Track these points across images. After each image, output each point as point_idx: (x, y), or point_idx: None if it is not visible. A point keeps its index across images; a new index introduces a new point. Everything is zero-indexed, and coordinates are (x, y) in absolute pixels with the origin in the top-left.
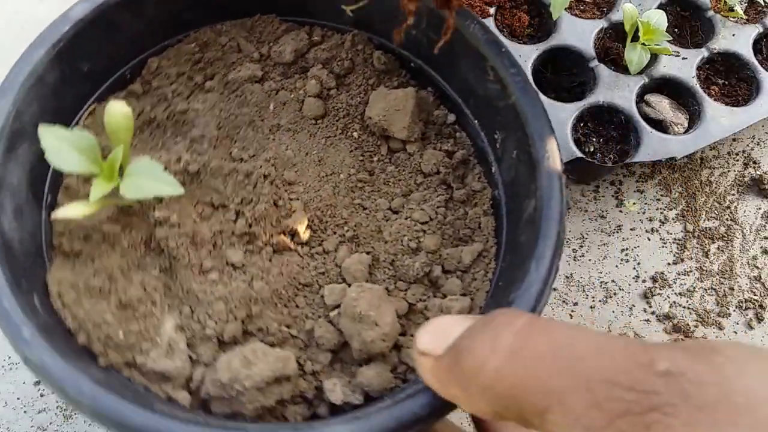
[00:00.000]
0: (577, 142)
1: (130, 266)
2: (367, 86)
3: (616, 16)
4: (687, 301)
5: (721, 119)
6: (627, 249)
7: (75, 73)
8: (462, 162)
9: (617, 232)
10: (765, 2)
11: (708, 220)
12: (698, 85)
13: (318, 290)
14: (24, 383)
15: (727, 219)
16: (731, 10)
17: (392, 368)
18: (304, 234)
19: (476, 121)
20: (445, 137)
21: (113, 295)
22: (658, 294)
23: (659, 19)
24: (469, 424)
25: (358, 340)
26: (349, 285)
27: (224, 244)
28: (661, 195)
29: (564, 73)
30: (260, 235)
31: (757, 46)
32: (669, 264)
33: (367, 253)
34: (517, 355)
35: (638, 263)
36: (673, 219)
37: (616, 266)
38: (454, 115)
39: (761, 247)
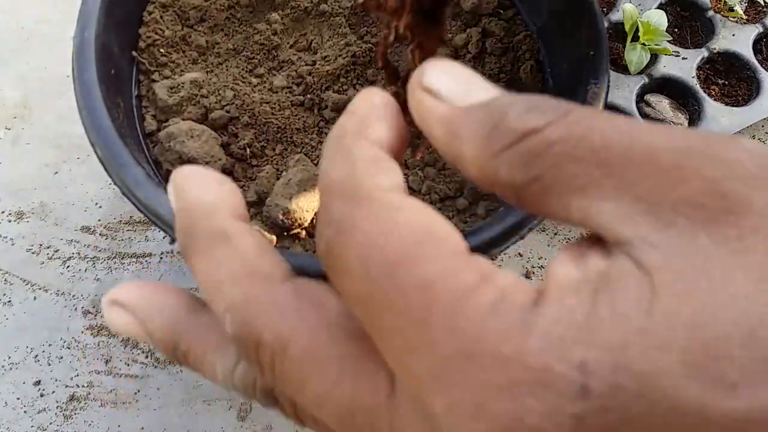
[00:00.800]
0: None
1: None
2: None
3: (615, 16)
4: None
5: (721, 119)
6: None
7: None
8: None
9: None
10: (765, 2)
11: None
12: (698, 85)
13: None
14: (24, 383)
15: None
16: (731, 10)
17: None
18: None
19: None
20: None
21: None
22: None
23: (659, 19)
24: None
25: None
26: None
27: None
28: None
29: None
30: None
31: (757, 46)
32: None
33: None
34: (569, 128)
35: None
36: None
37: None
38: None
39: None
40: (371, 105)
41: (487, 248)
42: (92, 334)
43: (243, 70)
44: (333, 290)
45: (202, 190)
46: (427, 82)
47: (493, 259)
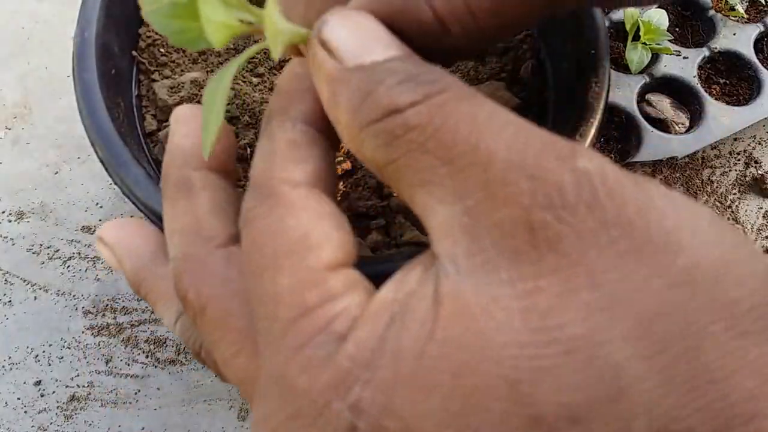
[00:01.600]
0: None
1: None
2: None
3: (616, 15)
4: None
5: (722, 119)
6: None
7: None
8: None
9: None
10: (766, 2)
11: None
12: (699, 85)
13: None
14: (24, 383)
15: (728, 218)
16: (732, 9)
17: None
18: None
19: None
20: None
21: None
22: None
23: (660, 18)
24: None
25: None
26: None
27: None
28: None
29: None
30: None
31: (759, 45)
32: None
33: None
34: (431, 113)
35: None
36: None
37: None
38: None
39: (763, 247)
40: (294, 77)
41: None
42: (93, 334)
43: (243, 69)
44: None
45: (184, 134)
46: (325, 33)
47: None
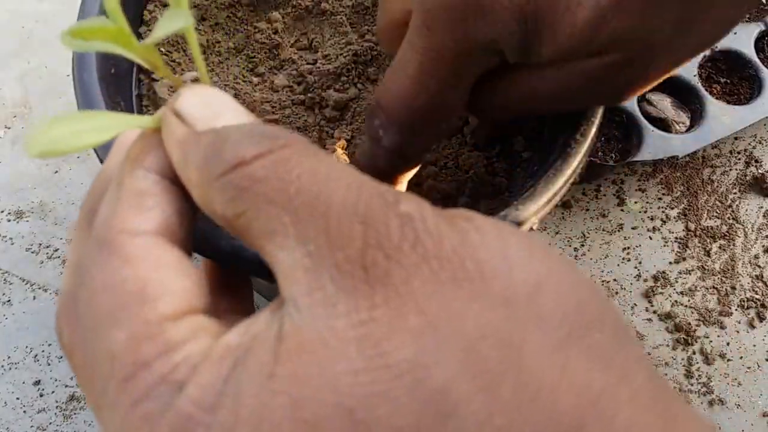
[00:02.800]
0: None
1: None
2: None
3: None
4: (689, 300)
5: (722, 118)
6: (628, 248)
7: None
8: None
9: (619, 231)
10: (766, 1)
11: (710, 219)
12: (700, 84)
13: None
14: (23, 383)
15: (728, 218)
16: None
17: None
18: None
19: None
20: None
21: None
22: (660, 293)
23: None
24: None
25: None
26: None
27: None
28: (663, 194)
29: None
30: None
31: (759, 44)
32: (670, 263)
33: None
34: (275, 166)
35: (640, 262)
36: (674, 218)
37: (618, 265)
38: None
39: (763, 246)
40: (150, 133)
41: None
42: None
43: (244, 69)
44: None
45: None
46: (177, 104)
47: None
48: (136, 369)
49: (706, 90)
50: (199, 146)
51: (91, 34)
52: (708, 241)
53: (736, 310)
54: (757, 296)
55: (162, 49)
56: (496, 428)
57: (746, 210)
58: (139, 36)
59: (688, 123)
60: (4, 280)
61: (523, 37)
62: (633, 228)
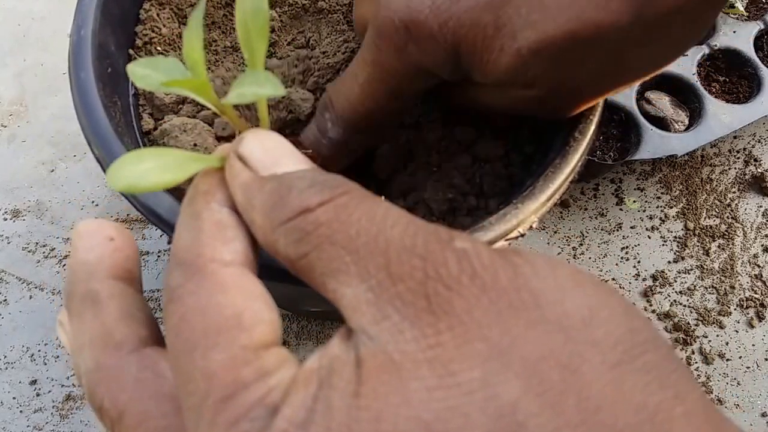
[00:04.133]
0: None
1: None
2: None
3: None
4: (687, 300)
5: (721, 117)
6: (627, 247)
7: None
8: None
9: (617, 230)
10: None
11: (709, 218)
12: (699, 83)
13: None
14: (20, 383)
15: (727, 217)
16: (732, 6)
17: None
18: None
19: None
20: None
21: None
22: (659, 292)
23: None
24: None
25: None
26: None
27: None
28: (662, 193)
29: None
30: None
31: (758, 43)
32: (669, 262)
33: None
34: (336, 211)
35: (638, 261)
36: (673, 217)
37: (617, 264)
38: None
39: (762, 246)
40: (215, 171)
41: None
42: None
43: (240, 67)
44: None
45: (87, 249)
46: (241, 149)
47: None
48: (236, 390)
49: (705, 89)
50: (263, 192)
51: (177, 84)
52: (707, 240)
53: (735, 309)
54: (757, 296)
55: (158, 48)
56: None
57: (745, 209)
58: (135, 34)
59: (687, 122)
60: (1, 279)
61: (454, 67)
62: (632, 227)
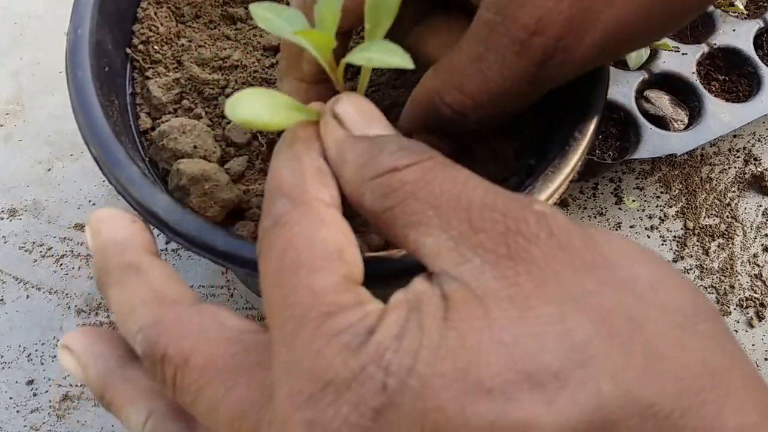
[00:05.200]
0: None
1: None
2: None
3: None
4: None
5: (721, 115)
6: None
7: None
8: None
9: (617, 229)
10: None
11: (708, 217)
12: (698, 81)
13: None
14: (17, 383)
15: (727, 216)
16: (731, 5)
17: None
18: None
19: None
20: None
21: None
22: None
23: None
24: None
25: None
26: None
27: None
28: (661, 192)
29: None
30: None
31: (758, 41)
32: (669, 262)
33: None
34: (423, 171)
35: None
36: (673, 216)
37: None
38: None
39: (762, 245)
40: (310, 125)
41: None
42: None
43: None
44: (234, 312)
45: (114, 229)
46: (337, 108)
47: None
48: (338, 309)
49: (705, 87)
50: (356, 149)
51: (307, 35)
52: (707, 239)
53: (734, 309)
54: (756, 295)
55: (156, 47)
56: (629, 377)
57: (745, 208)
58: (132, 33)
59: (686, 121)
60: None
61: None
62: (631, 226)
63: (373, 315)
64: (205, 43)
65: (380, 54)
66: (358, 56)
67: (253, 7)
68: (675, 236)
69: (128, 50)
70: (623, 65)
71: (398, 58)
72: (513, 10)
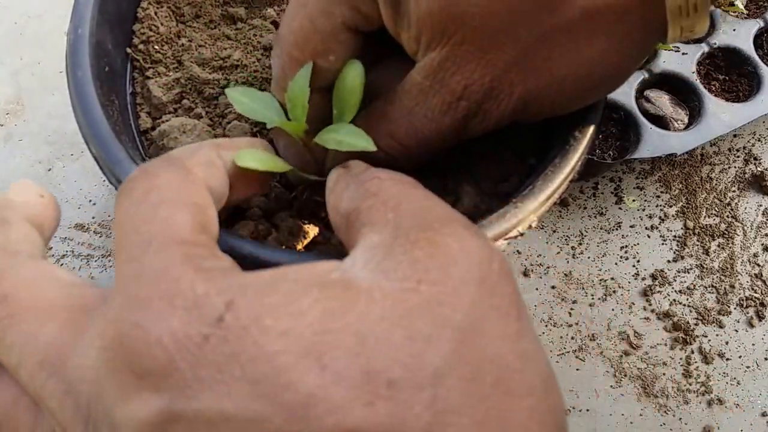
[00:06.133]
0: None
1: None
2: None
3: None
4: (687, 299)
5: (721, 115)
6: (626, 246)
7: None
8: None
9: (617, 229)
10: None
11: (708, 217)
12: (698, 81)
13: None
14: None
15: (727, 216)
16: (731, 4)
17: None
18: None
19: None
20: None
21: None
22: (658, 292)
23: None
24: None
25: None
26: None
27: None
28: (661, 192)
29: None
30: None
31: (758, 41)
32: (669, 261)
33: None
34: (397, 184)
35: (638, 261)
36: (673, 216)
37: (616, 264)
38: None
39: (762, 245)
40: None
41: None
42: None
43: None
44: (72, 272)
45: (17, 193)
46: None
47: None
48: (194, 242)
49: (705, 87)
50: (350, 171)
51: (283, 125)
52: (707, 239)
53: (735, 309)
54: (756, 295)
55: (156, 47)
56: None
57: (745, 208)
58: (132, 33)
59: (686, 120)
60: None
61: None
62: (631, 226)
63: (228, 260)
64: (206, 42)
65: (349, 137)
66: (328, 138)
67: (228, 92)
68: (675, 236)
69: (128, 50)
70: None
71: (364, 142)
72: (444, 77)
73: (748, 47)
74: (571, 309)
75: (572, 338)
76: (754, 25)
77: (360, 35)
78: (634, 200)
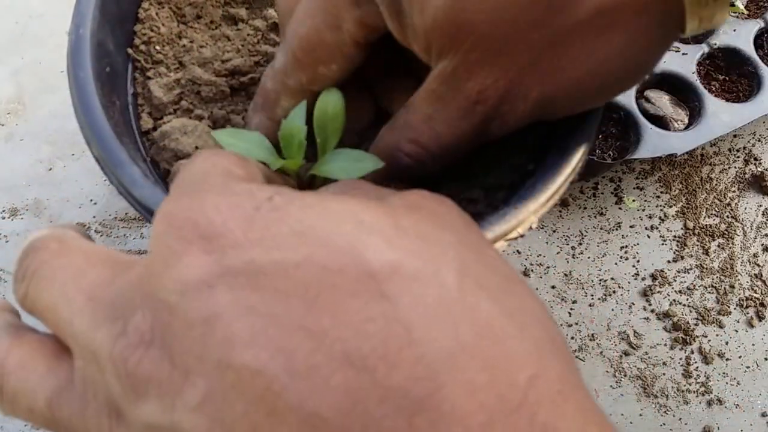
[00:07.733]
0: None
1: None
2: None
3: None
4: (687, 299)
5: (721, 115)
6: (626, 246)
7: None
8: None
9: (616, 229)
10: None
11: (708, 217)
12: (698, 81)
13: None
14: None
15: (727, 216)
16: (732, 5)
17: None
18: None
19: None
20: None
21: None
22: (658, 292)
23: None
24: None
25: None
26: None
27: None
28: (661, 192)
29: None
30: None
31: (758, 41)
32: (669, 262)
33: None
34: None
35: (638, 261)
36: (673, 216)
37: (616, 264)
38: None
39: (762, 245)
40: None
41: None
42: None
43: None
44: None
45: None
46: None
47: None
48: (246, 180)
49: (705, 87)
50: None
51: (281, 166)
52: (707, 239)
53: (734, 309)
54: (756, 295)
55: (157, 47)
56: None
57: (745, 208)
58: (134, 33)
59: (686, 120)
60: None
61: None
62: (631, 226)
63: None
64: (207, 43)
65: (352, 163)
66: (331, 168)
67: (216, 134)
68: (675, 236)
69: (130, 50)
70: None
71: (371, 163)
72: (458, 84)
73: (748, 47)
74: (571, 309)
75: (572, 338)
76: (755, 26)
77: (365, 48)
78: (634, 200)
